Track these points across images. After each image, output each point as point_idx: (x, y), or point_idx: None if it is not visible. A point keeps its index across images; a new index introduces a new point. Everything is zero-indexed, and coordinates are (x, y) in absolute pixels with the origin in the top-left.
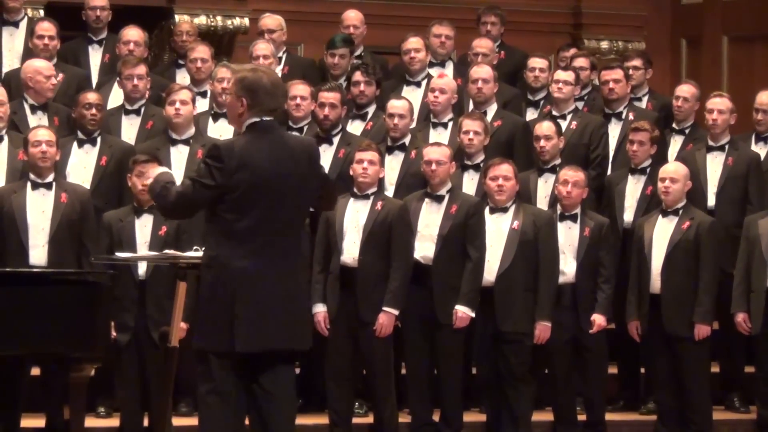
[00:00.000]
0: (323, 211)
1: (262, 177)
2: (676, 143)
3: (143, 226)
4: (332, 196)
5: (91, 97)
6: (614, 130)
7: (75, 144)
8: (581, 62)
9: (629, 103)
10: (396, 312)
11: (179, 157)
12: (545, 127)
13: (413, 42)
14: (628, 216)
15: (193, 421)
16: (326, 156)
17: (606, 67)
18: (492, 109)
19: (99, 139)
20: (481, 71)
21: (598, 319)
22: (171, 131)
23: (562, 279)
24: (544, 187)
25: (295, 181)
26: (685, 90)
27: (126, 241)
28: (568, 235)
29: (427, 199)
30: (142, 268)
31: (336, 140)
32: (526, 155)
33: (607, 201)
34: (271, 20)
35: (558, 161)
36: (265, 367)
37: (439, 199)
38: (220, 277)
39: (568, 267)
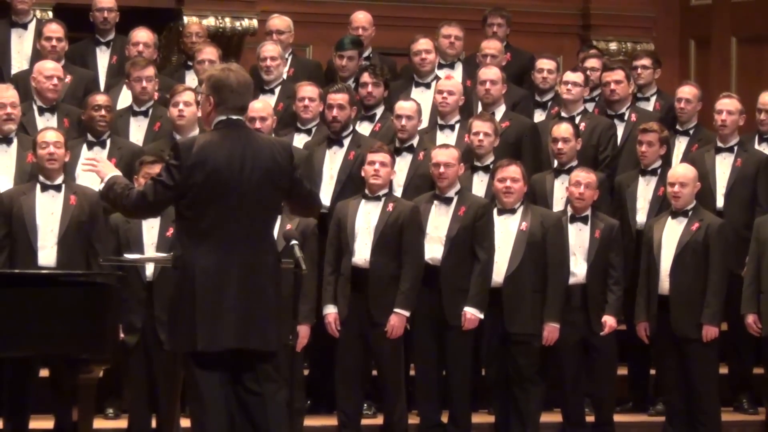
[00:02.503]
0: (303, 217)
1: (219, 174)
2: (680, 144)
3: (150, 228)
4: (309, 203)
5: (100, 98)
6: (617, 131)
7: (85, 146)
8: (593, 63)
9: (632, 105)
10: (407, 313)
11: None
12: (563, 129)
13: (423, 43)
14: (641, 217)
15: None
16: (337, 158)
17: (607, 68)
18: (500, 111)
19: (108, 141)
20: (489, 72)
21: (609, 321)
22: (175, 133)
23: (572, 280)
24: (560, 188)
25: (257, 179)
26: (687, 91)
27: (133, 242)
28: (579, 237)
29: (435, 201)
30: (149, 270)
31: (346, 142)
32: (534, 157)
33: (618, 202)
34: (280, 21)
35: (574, 163)
36: (246, 368)
37: (447, 200)
38: (184, 276)
39: (578, 268)
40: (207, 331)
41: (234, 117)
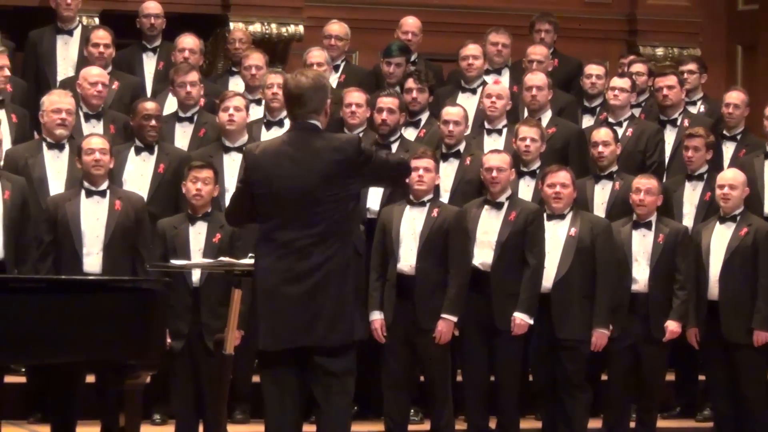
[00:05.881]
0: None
1: (274, 177)
2: (727, 150)
3: (197, 234)
4: (396, 179)
5: (150, 106)
6: (669, 136)
7: (132, 151)
8: (638, 68)
9: (684, 110)
10: (455, 319)
11: (232, 164)
12: (603, 134)
13: (471, 49)
14: (687, 222)
15: (248, 428)
16: None
17: (659, 73)
18: (546, 116)
19: (156, 147)
20: (535, 78)
21: (671, 326)
22: (224, 138)
23: (634, 287)
24: (601, 193)
25: (316, 182)
26: (735, 96)
27: (180, 248)
28: (642, 243)
29: (486, 206)
30: (195, 275)
31: (394, 147)
32: (581, 162)
33: (665, 208)
34: (339, 27)
35: (615, 168)
36: (312, 374)
37: (498, 205)
38: (255, 277)
39: (641, 274)
40: (267, 330)
41: (302, 120)
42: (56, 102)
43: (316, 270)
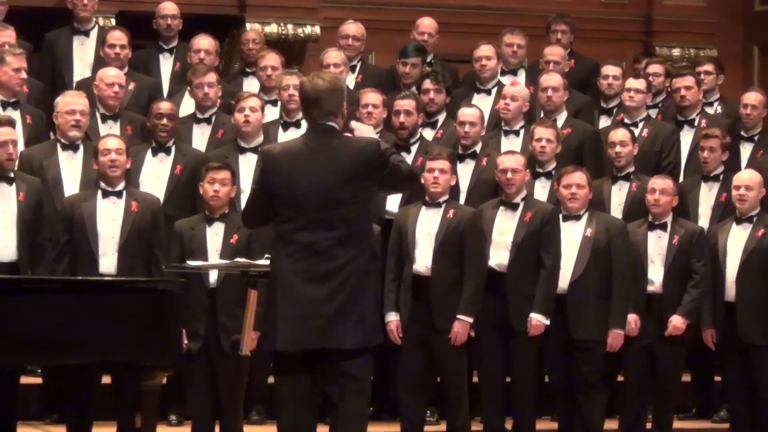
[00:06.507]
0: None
1: (290, 179)
2: (745, 150)
3: (214, 234)
4: (408, 185)
5: (164, 106)
6: (686, 137)
7: (149, 153)
8: (655, 69)
9: (702, 110)
10: (470, 320)
11: (247, 165)
12: (620, 134)
13: (484, 49)
14: (703, 223)
15: (264, 429)
16: None
17: (677, 74)
18: (562, 117)
19: (173, 148)
20: (551, 79)
21: (675, 320)
22: (239, 139)
23: (650, 288)
24: (618, 194)
25: (333, 184)
26: (752, 97)
27: (197, 249)
28: (658, 244)
29: (502, 207)
30: (212, 276)
31: (414, 148)
32: (596, 163)
33: (681, 208)
34: (356, 27)
35: (632, 168)
36: (328, 375)
37: (513, 206)
38: (271, 279)
39: (656, 275)
40: (285, 331)
41: (320, 122)
42: (70, 103)
43: (338, 272)
